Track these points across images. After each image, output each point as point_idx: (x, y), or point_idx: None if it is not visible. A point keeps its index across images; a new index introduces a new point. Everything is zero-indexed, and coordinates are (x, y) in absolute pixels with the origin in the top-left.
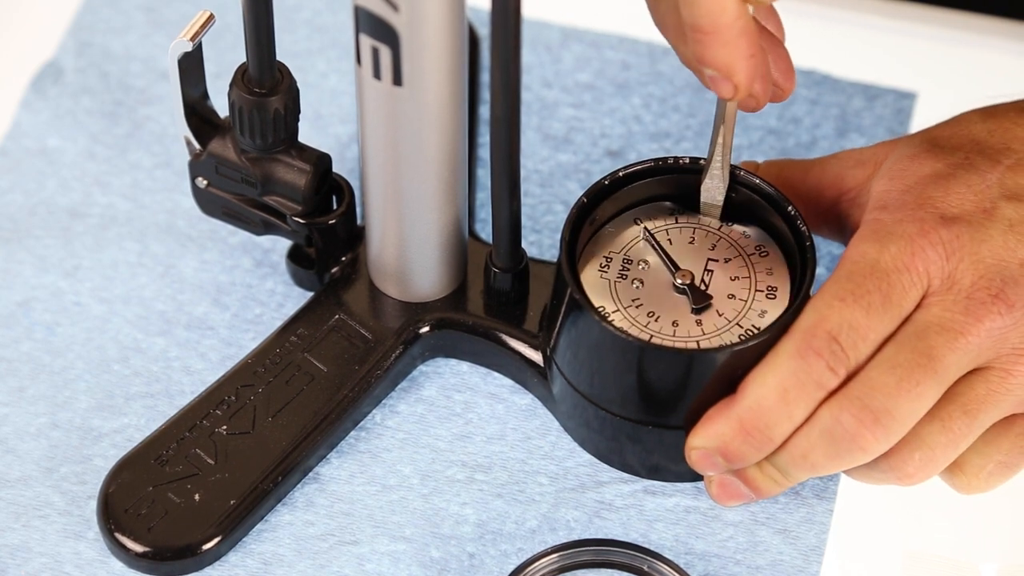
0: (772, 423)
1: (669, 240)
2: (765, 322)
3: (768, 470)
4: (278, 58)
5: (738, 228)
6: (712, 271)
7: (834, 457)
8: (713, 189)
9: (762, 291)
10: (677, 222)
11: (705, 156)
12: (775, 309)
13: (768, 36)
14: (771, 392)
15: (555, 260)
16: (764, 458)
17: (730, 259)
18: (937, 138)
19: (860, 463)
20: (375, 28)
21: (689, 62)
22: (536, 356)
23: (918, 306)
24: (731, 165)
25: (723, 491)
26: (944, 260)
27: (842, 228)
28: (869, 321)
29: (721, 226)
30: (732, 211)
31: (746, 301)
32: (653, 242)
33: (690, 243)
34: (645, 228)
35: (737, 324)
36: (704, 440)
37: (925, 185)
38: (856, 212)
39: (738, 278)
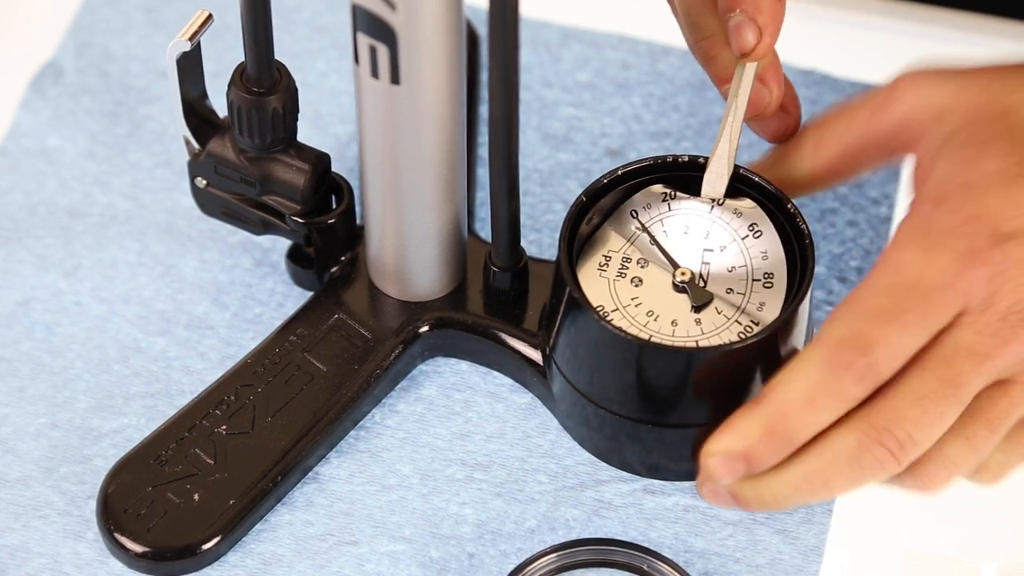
0: (797, 428)
1: (664, 231)
2: (764, 315)
3: (765, 491)
4: (278, 58)
5: (730, 204)
6: (708, 263)
7: (856, 481)
8: (715, 182)
9: (759, 280)
10: (670, 209)
11: (704, 155)
12: (773, 299)
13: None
14: (798, 398)
15: (554, 259)
16: (770, 490)
17: (725, 247)
18: (1014, 110)
19: (877, 482)
20: (373, 27)
21: (703, 27)
22: (535, 355)
23: (951, 323)
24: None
25: (714, 497)
26: (987, 281)
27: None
28: (904, 339)
29: (713, 207)
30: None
31: (744, 294)
32: (651, 239)
33: (685, 233)
34: (640, 223)
35: (736, 321)
36: (728, 443)
37: (987, 187)
38: (917, 171)
39: (734, 268)
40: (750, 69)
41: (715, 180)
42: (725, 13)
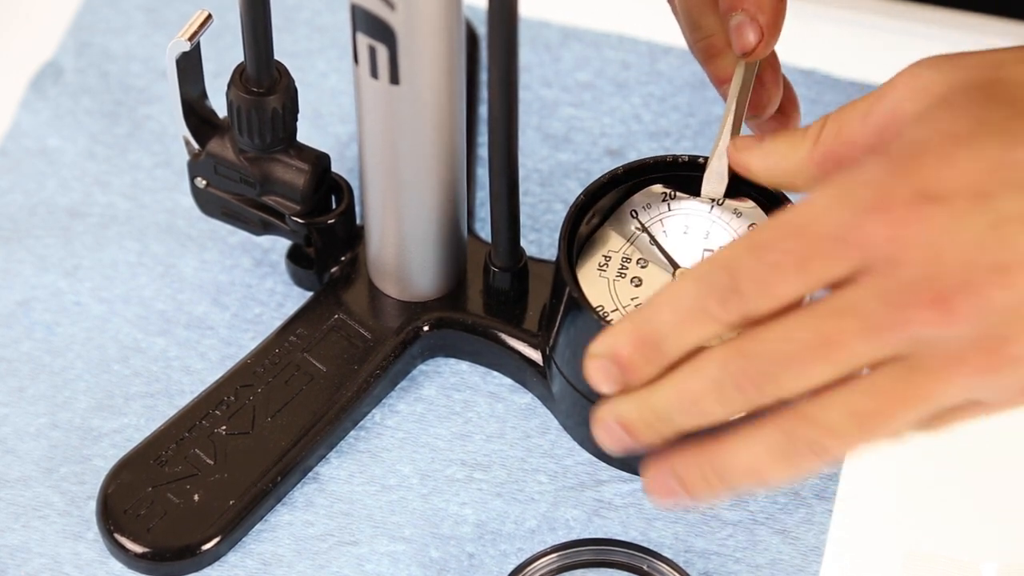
0: (664, 337)
1: (664, 231)
2: None
3: (645, 409)
4: (278, 58)
5: (730, 204)
6: None
7: (723, 403)
8: (715, 182)
9: None
10: (670, 209)
11: (704, 155)
12: None
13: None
14: (667, 307)
15: (554, 259)
16: (648, 403)
17: None
18: (1001, 82)
19: (738, 410)
20: (372, 27)
21: (704, 26)
22: (535, 355)
23: (851, 279)
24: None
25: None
26: (889, 241)
27: None
28: (774, 278)
29: (712, 207)
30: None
31: None
32: (650, 239)
33: (684, 233)
34: (640, 223)
35: None
36: (604, 346)
37: (931, 146)
38: None
39: None
40: (750, 69)
41: (715, 180)
42: (726, 13)
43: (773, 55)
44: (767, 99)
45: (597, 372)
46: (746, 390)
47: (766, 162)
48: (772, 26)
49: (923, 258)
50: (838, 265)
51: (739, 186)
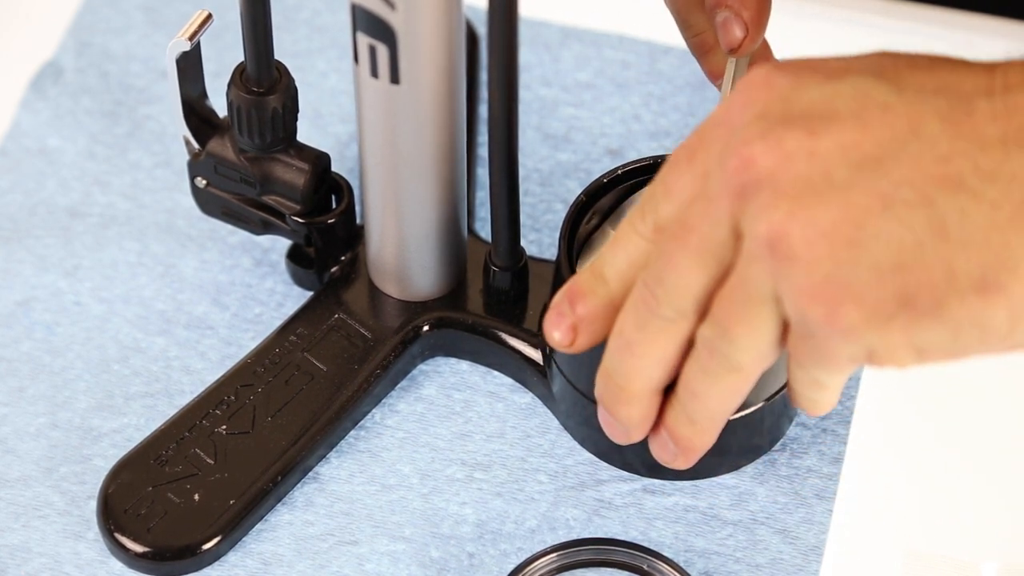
0: (605, 261)
1: None
2: None
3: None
4: (278, 57)
5: None
6: None
7: (637, 326)
8: None
9: None
10: None
11: None
12: None
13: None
14: (609, 245)
15: (554, 259)
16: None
17: None
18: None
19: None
20: (372, 26)
21: (693, 24)
22: (536, 355)
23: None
24: None
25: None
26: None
27: None
28: (671, 176)
29: None
30: None
31: None
32: None
33: None
34: None
35: None
36: (559, 293)
37: (848, 68)
38: None
39: None
40: (741, 64)
41: None
42: (712, 10)
43: (765, 46)
44: None
45: (553, 319)
46: (648, 302)
47: None
48: (757, 21)
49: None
50: (715, 146)
51: None
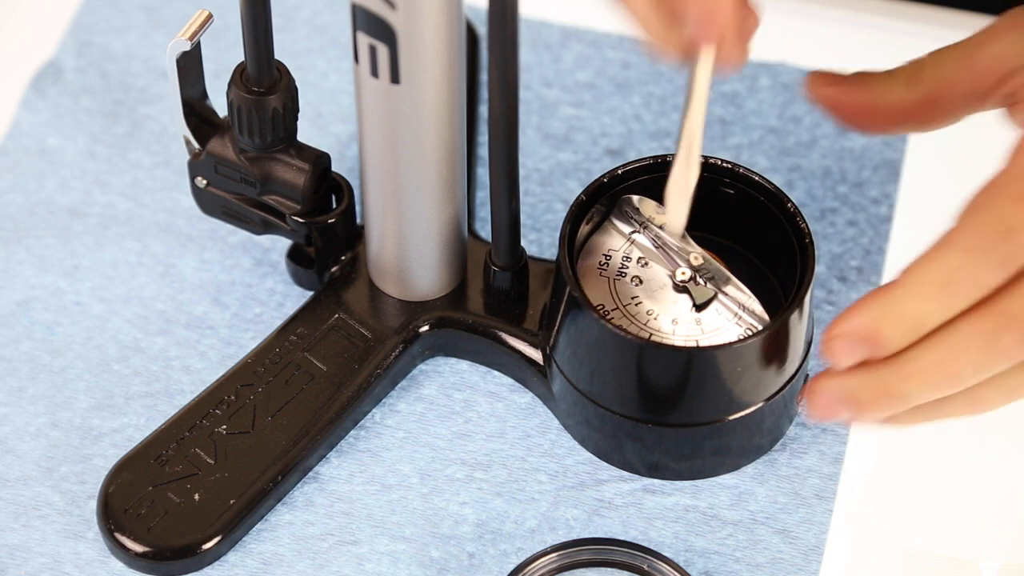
0: (929, 312)
1: (662, 227)
2: (764, 315)
3: (888, 384)
4: (278, 57)
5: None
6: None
7: (984, 368)
8: (675, 220)
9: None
10: None
11: (703, 155)
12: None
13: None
14: (933, 282)
15: (554, 259)
16: (894, 384)
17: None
18: None
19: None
20: (372, 26)
21: (657, 28)
22: (536, 354)
23: None
24: (728, 161)
25: (823, 408)
26: None
27: (1013, 102)
28: None
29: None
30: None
31: (744, 293)
32: (652, 236)
33: (681, 235)
34: (640, 222)
35: (736, 321)
36: (857, 323)
37: None
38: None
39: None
40: (706, 66)
41: (675, 218)
42: (660, 33)
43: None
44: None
45: (842, 349)
46: (1012, 354)
47: (861, 97)
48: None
49: None
50: None
51: (739, 186)
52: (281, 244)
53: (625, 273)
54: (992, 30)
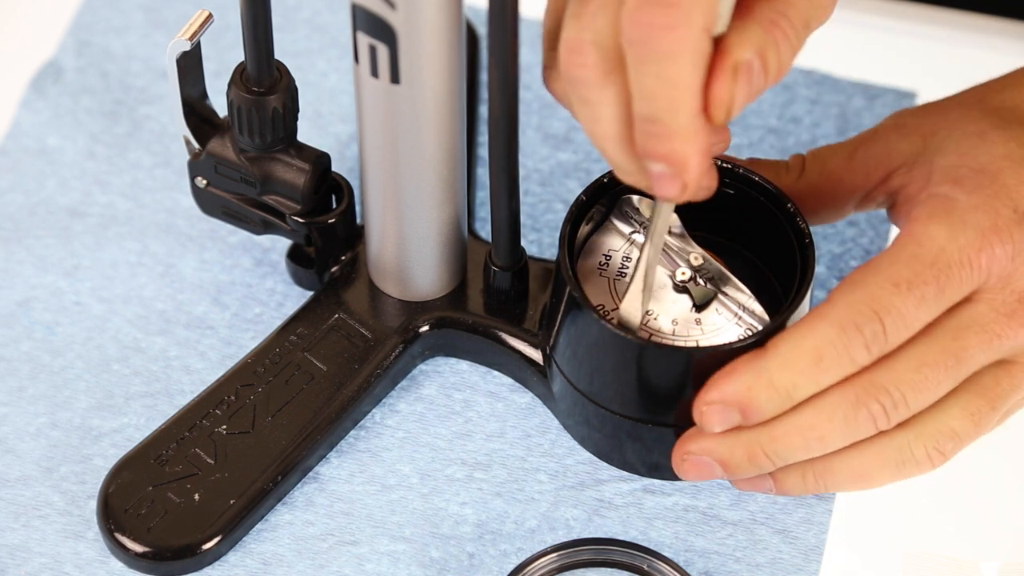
0: (799, 384)
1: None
2: (764, 315)
3: (758, 447)
4: (278, 57)
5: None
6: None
7: (849, 435)
8: (632, 308)
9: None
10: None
11: None
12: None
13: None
14: (805, 354)
15: (554, 259)
16: (763, 446)
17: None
18: (999, 109)
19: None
20: (372, 26)
21: (622, 162)
22: (536, 355)
23: (967, 298)
24: (728, 161)
25: (695, 469)
26: (1009, 260)
27: (893, 202)
28: (918, 312)
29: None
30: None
31: (744, 293)
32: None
33: (681, 235)
34: (640, 223)
35: (736, 321)
36: (728, 391)
37: (1000, 169)
38: (912, 184)
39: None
40: (667, 208)
41: (631, 312)
42: (625, 166)
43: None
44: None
45: (715, 416)
46: (878, 420)
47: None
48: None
49: None
50: (965, 287)
51: (739, 186)
52: (281, 244)
53: (625, 273)
54: (876, 130)
